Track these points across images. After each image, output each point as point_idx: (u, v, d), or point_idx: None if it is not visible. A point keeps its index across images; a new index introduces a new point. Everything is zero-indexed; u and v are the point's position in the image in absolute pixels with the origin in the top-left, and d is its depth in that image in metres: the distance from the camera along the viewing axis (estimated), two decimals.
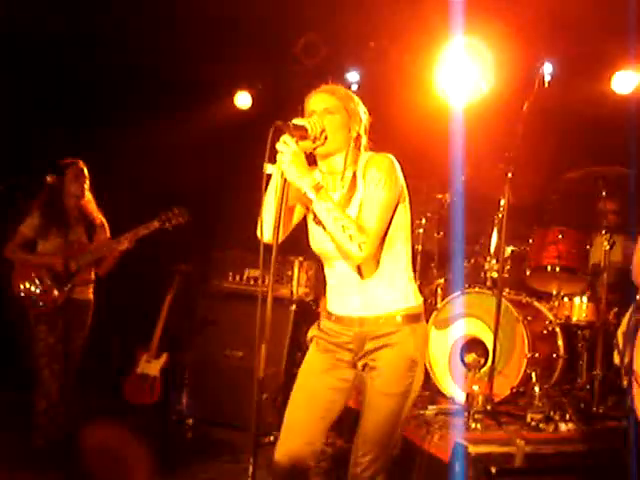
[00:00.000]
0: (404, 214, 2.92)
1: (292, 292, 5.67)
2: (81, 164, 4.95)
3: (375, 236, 2.77)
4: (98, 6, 5.77)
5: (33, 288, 4.84)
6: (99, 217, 5.08)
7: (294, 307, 5.62)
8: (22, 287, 4.86)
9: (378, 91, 6.27)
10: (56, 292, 4.85)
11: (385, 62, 6.50)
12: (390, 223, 2.85)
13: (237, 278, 5.89)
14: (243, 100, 7.28)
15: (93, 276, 5.06)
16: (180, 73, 6.42)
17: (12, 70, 5.92)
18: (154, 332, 5.99)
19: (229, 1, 5.93)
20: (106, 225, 5.11)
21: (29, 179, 4.80)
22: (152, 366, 5.94)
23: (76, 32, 5.91)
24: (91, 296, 5.07)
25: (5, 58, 5.84)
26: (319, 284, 5.04)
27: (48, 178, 4.58)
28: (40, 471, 4.37)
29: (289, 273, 5.67)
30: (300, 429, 2.95)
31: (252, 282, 5.83)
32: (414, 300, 2.95)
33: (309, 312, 5.62)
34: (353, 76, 6.68)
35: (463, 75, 5.66)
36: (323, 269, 3.10)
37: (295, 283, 5.66)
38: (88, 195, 5.01)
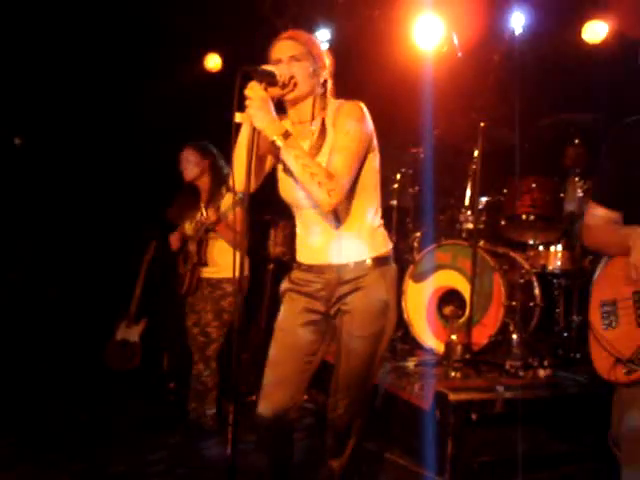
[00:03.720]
0: (373, 162, 2.91)
1: (269, 252, 5.65)
2: (186, 150, 4.86)
3: (344, 183, 2.75)
4: None
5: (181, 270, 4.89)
6: (215, 194, 4.75)
7: (272, 266, 5.61)
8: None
9: (349, 48, 6.22)
10: (183, 274, 4.84)
11: (355, 18, 6.44)
12: (360, 171, 2.84)
13: None
14: (213, 62, 7.19)
15: (222, 255, 4.73)
16: (148, 37, 6.34)
17: None
18: (132, 298, 5.99)
19: None
20: (220, 201, 4.73)
21: None
22: (132, 332, 5.93)
23: None
24: (223, 274, 4.72)
25: None
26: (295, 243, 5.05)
27: (16, 140, 4.43)
28: None
29: (264, 233, 5.65)
30: (281, 383, 2.94)
31: None
32: (384, 246, 2.95)
33: (287, 271, 5.61)
34: (323, 34, 6.60)
35: (433, 28, 5.63)
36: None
37: (272, 243, 5.65)
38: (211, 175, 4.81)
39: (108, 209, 6.31)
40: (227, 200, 4.65)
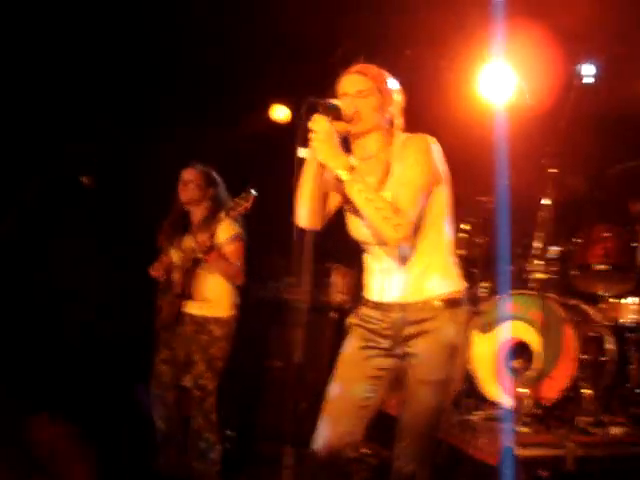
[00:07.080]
0: (441, 195, 2.84)
1: (330, 299, 5.58)
2: (192, 170, 4.54)
3: (411, 218, 2.68)
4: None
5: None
6: (210, 221, 4.37)
7: (333, 314, 5.54)
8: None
9: (416, 99, 6.19)
10: (163, 307, 4.52)
11: (422, 69, 6.42)
12: (428, 206, 2.77)
13: (275, 287, 5.82)
14: (280, 113, 7.22)
15: (210, 289, 4.47)
16: (214, 87, 6.43)
17: None
18: None
19: (263, 15, 5.94)
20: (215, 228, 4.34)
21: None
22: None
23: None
24: (209, 312, 4.45)
25: None
26: (358, 291, 5.00)
27: (84, 180, 4.49)
28: None
29: (327, 280, 5.59)
30: (337, 418, 2.86)
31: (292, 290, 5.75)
32: (455, 285, 2.86)
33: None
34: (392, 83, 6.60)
35: (502, 77, 5.58)
36: (362, 276, 3.04)
37: (334, 290, 5.58)
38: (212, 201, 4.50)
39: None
40: (224, 228, 4.35)
